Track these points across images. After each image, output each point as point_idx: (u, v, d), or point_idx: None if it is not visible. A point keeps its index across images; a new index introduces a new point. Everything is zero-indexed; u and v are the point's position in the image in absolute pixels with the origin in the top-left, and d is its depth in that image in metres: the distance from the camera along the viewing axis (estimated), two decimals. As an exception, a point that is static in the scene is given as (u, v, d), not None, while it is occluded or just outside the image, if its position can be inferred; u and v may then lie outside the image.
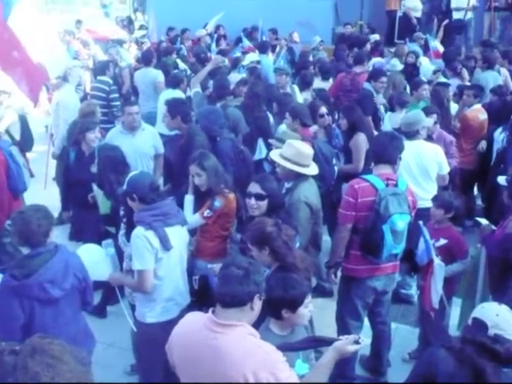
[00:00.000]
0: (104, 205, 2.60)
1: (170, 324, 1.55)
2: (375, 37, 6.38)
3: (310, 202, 2.22)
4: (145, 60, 4.63)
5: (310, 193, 2.25)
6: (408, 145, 2.54)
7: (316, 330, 2.14)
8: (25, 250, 1.78)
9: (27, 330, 1.67)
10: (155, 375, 1.91)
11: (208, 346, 1.28)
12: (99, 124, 3.20)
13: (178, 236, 1.97)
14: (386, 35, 7.15)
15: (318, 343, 1.48)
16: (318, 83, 4.35)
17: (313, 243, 2.33)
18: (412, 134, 2.84)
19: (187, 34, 6.55)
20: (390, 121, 3.61)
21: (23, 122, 3.55)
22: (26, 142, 3.51)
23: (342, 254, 2.22)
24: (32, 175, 3.63)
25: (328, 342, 1.42)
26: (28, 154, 3.62)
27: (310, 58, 5.31)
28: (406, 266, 2.35)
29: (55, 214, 3.03)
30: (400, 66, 5.02)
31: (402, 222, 2.07)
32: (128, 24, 8.12)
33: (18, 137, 3.47)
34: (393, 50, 5.80)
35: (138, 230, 1.88)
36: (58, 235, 2.62)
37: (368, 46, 5.64)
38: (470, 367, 1.15)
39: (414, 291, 2.93)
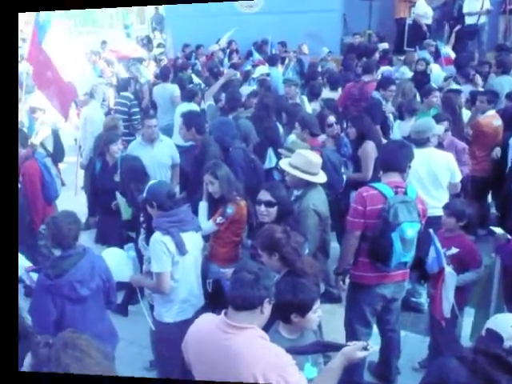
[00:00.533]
0: (126, 211, 2.77)
1: (186, 324, 1.61)
2: (384, 45, 6.30)
3: (319, 209, 2.23)
4: (163, 76, 4.85)
5: (318, 200, 2.27)
6: (418, 153, 2.46)
7: (324, 335, 2.12)
8: (57, 252, 1.91)
9: (59, 325, 1.81)
10: (172, 371, 1.97)
11: (221, 346, 1.32)
12: (121, 136, 3.39)
13: (193, 241, 2.05)
14: (395, 43, 7.01)
15: (325, 348, 1.49)
16: (326, 93, 4.38)
17: (321, 250, 2.31)
18: (422, 142, 2.74)
19: (201, 49, 6.81)
20: (400, 129, 3.53)
21: (55, 136, 3.79)
22: (58, 153, 3.75)
23: (350, 261, 2.19)
24: (63, 184, 3.86)
25: (336, 347, 1.41)
26: (60, 165, 3.87)
27: (319, 69, 5.37)
28: (416, 274, 2.26)
29: (83, 219, 3.24)
30: (409, 74, 4.96)
31: (411, 230, 2.03)
32: (147, 42, 8.47)
33: (51, 149, 3.71)
34: (402, 58, 5.73)
35: (156, 235, 1.98)
36: (86, 239, 2.82)
37: (376, 55, 5.61)
38: (483, 378, 1.07)
39: (424, 299, 2.85)
